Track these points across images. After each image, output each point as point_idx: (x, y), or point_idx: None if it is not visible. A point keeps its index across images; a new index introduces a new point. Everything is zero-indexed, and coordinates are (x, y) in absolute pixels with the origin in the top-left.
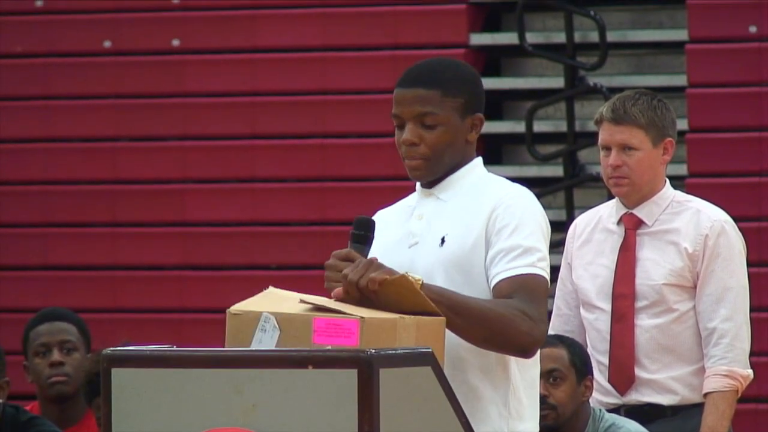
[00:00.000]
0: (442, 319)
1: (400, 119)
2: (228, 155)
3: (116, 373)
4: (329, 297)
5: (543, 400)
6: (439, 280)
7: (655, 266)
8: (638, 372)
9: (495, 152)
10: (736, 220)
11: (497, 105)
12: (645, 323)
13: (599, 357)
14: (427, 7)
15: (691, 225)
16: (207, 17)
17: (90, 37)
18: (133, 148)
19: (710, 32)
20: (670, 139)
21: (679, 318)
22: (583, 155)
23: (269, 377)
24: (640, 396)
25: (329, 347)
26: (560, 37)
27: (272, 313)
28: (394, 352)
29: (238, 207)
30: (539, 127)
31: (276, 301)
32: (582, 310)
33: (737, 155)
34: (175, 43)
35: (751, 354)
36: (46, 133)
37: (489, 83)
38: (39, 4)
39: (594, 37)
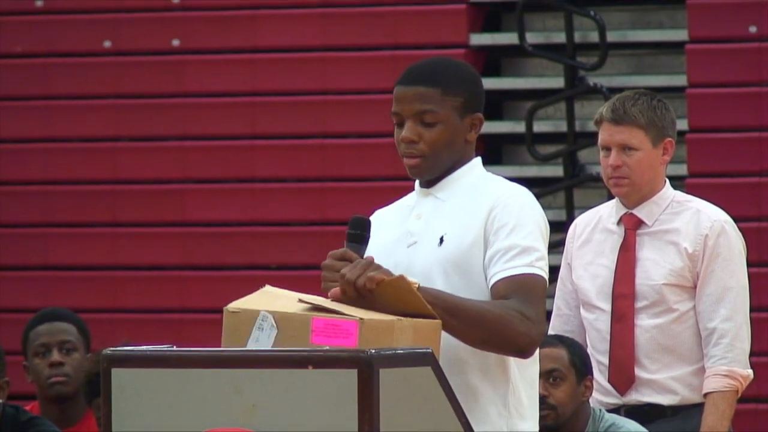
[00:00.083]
0: (438, 322)
1: (399, 117)
2: (228, 155)
3: (116, 373)
4: (327, 297)
5: (543, 400)
6: (438, 280)
7: (655, 266)
8: (638, 372)
9: (495, 152)
10: (736, 220)
11: (497, 105)
12: (645, 323)
13: (599, 357)
14: (427, 7)
15: (691, 225)
16: (207, 17)
17: (90, 37)
18: (133, 148)
19: (710, 32)
20: (669, 139)
21: (679, 318)
22: (583, 155)
23: (269, 377)
24: (640, 396)
25: (327, 347)
26: (560, 37)
27: (270, 312)
28: (394, 352)
29: (238, 207)
30: (539, 127)
31: (273, 300)
32: (582, 310)
33: (737, 155)
34: (175, 43)
35: (751, 354)
36: (46, 133)
37: (489, 83)
38: (39, 4)
39: (594, 37)
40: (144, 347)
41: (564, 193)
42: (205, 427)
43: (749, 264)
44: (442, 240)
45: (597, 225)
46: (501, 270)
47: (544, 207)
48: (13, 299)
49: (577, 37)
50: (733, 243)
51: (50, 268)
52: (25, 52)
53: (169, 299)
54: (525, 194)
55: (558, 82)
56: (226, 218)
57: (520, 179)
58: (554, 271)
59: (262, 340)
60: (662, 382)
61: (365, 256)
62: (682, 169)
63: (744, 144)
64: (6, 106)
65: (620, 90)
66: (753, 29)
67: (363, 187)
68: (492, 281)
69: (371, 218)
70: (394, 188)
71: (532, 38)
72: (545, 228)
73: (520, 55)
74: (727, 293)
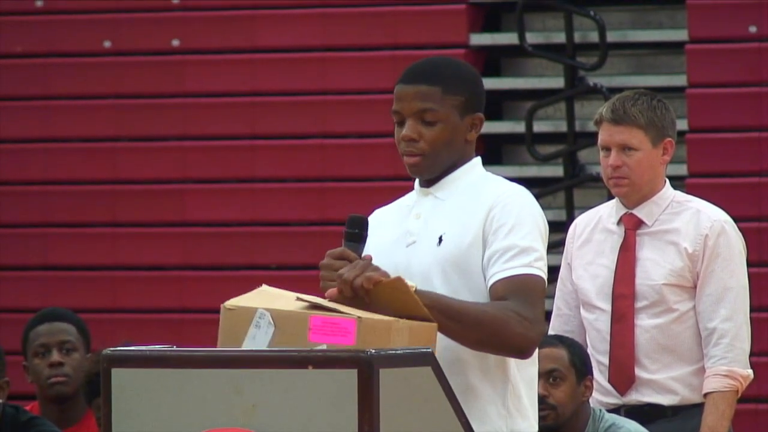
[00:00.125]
0: (435, 324)
1: (400, 115)
2: (228, 155)
3: (116, 373)
4: (324, 297)
5: (543, 400)
6: (437, 280)
7: (655, 266)
8: (638, 372)
9: (495, 152)
10: (736, 220)
11: (497, 105)
12: (645, 323)
13: (599, 357)
14: (427, 7)
15: (691, 225)
16: (207, 17)
17: (90, 37)
18: (133, 148)
19: (710, 32)
20: (669, 139)
21: (679, 318)
22: (583, 155)
23: (269, 377)
24: (640, 396)
25: (325, 346)
26: (560, 37)
27: (268, 310)
28: (394, 352)
29: (238, 207)
30: (539, 127)
31: (271, 299)
32: (582, 310)
33: (737, 155)
34: (175, 43)
35: (751, 354)
36: (46, 133)
37: (489, 83)
38: (39, 4)
39: (594, 37)
40: (144, 347)
41: (564, 193)
42: (205, 427)
43: (749, 264)
44: (440, 239)
45: (597, 225)
46: (499, 270)
47: (544, 207)
48: (13, 299)
49: (577, 37)
50: (733, 243)
51: (50, 268)
52: (25, 52)
53: (169, 299)
54: (524, 194)
55: (558, 82)
56: (226, 218)
57: (520, 179)
58: (554, 271)
59: (258, 338)
60: (662, 382)
61: (363, 255)
62: (682, 169)
63: (744, 144)
64: (6, 106)
65: (620, 90)
66: (753, 29)
67: (363, 187)
68: (491, 282)
69: (370, 217)
70: (394, 188)
71: (532, 38)
72: (544, 228)
73: (520, 55)
74: (727, 293)
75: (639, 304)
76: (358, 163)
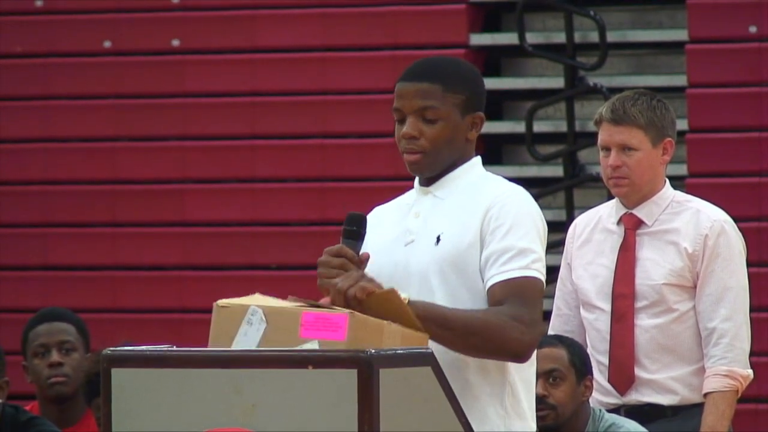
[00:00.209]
0: (426, 336)
1: (400, 113)
2: (228, 155)
3: (116, 373)
4: (321, 296)
5: (542, 400)
6: (434, 279)
7: (654, 266)
8: (638, 372)
9: (495, 152)
10: (736, 220)
11: (497, 105)
12: (645, 323)
13: (599, 357)
14: (427, 7)
15: (690, 225)
16: (207, 17)
17: (90, 37)
18: (133, 148)
19: (710, 32)
20: (669, 139)
21: (679, 318)
22: (583, 155)
23: (269, 377)
24: (640, 396)
25: (316, 341)
26: (560, 37)
27: (260, 307)
28: (394, 352)
29: (238, 207)
30: (539, 127)
31: (264, 300)
32: (582, 310)
33: (737, 155)
34: (175, 43)
35: (751, 354)
36: (46, 133)
37: (489, 83)
38: (39, 4)
39: (594, 37)
40: (144, 347)
41: (564, 193)
42: (205, 427)
43: (749, 264)
44: (439, 239)
45: (597, 225)
46: (497, 273)
47: (544, 207)
48: (13, 299)
49: (577, 37)
50: (733, 243)
51: (50, 268)
52: (25, 52)
53: (169, 299)
54: (522, 194)
55: (558, 82)
56: (226, 218)
57: (520, 179)
58: (553, 271)
59: (250, 335)
60: (662, 382)
61: (361, 252)
62: (682, 169)
63: (744, 144)
64: (6, 106)
65: (620, 90)
66: (753, 29)
67: (363, 187)
68: (488, 285)
69: (370, 215)
70: (393, 188)
71: (532, 38)
72: (543, 228)
73: (520, 55)
74: (726, 293)
75: (639, 304)
76: (358, 163)
